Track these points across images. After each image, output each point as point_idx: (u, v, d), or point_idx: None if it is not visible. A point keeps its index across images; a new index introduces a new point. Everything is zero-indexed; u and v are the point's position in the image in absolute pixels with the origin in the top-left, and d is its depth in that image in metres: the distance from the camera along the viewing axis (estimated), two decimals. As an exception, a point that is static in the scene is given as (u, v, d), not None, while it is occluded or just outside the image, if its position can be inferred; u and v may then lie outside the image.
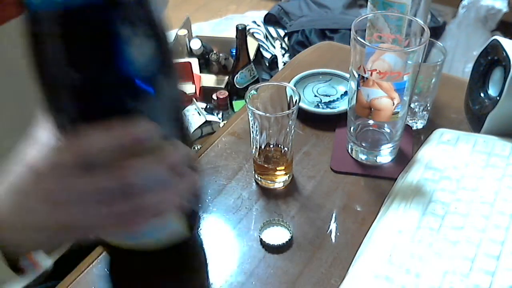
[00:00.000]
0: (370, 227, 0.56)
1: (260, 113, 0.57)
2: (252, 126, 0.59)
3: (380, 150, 0.65)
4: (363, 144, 0.65)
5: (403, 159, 0.65)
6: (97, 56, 0.35)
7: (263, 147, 0.61)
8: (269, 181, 0.63)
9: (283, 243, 0.56)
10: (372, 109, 0.60)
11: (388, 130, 0.65)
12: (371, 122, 0.65)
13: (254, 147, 0.61)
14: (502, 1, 1.86)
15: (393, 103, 0.59)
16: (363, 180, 0.64)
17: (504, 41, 0.65)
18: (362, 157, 0.66)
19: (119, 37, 0.35)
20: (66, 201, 0.39)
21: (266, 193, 0.62)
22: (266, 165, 0.61)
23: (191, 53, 1.67)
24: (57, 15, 0.33)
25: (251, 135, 0.60)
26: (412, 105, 0.69)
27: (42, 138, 0.40)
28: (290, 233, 0.57)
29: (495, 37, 0.67)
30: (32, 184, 0.39)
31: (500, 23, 1.89)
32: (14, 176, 0.41)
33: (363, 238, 0.55)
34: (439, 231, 0.53)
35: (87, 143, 0.37)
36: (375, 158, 0.65)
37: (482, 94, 0.68)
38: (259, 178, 0.63)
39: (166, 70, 0.39)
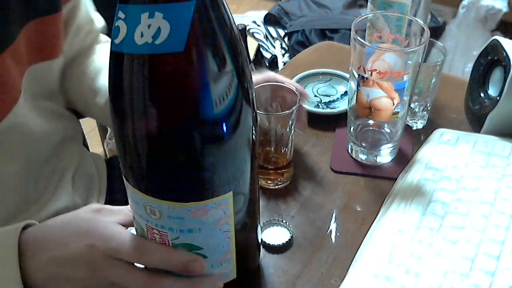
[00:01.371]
0: (370, 227, 0.56)
1: (260, 113, 0.57)
2: None
3: (380, 150, 0.65)
4: (363, 144, 0.65)
5: (403, 159, 0.65)
6: (177, 99, 0.35)
7: (263, 147, 0.61)
8: (269, 181, 0.63)
9: (283, 243, 0.56)
10: (372, 109, 0.60)
11: (388, 130, 0.65)
12: (371, 122, 0.65)
13: None
14: (502, 1, 1.86)
15: (393, 103, 0.59)
16: (363, 180, 0.64)
17: (504, 41, 0.65)
18: (362, 157, 0.66)
19: (203, 83, 0.34)
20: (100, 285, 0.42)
21: (266, 193, 0.62)
22: (266, 165, 0.61)
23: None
24: (139, 58, 0.33)
25: None
26: (412, 105, 0.69)
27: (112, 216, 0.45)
28: (290, 233, 0.57)
29: (495, 37, 0.67)
30: (85, 256, 0.42)
31: (500, 23, 1.89)
32: (69, 240, 0.43)
33: (363, 238, 0.55)
34: (439, 231, 0.53)
35: (147, 253, 0.41)
36: (375, 158, 0.65)
37: (482, 94, 0.68)
38: (259, 178, 0.63)
39: (246, 108, 0.38)
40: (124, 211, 0.45)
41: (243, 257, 0.46)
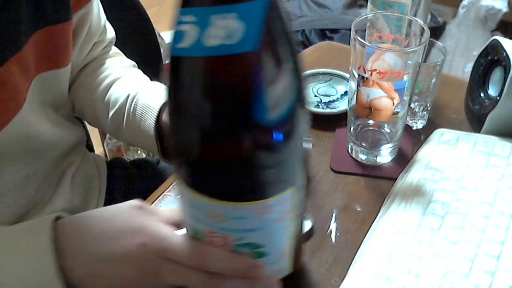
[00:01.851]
0: (370, 227, 0.56)
1: None
2: None
3: (380, 150, 0.65)
4: (363, 144, 0.65)
5: (403, 159, 0.65)
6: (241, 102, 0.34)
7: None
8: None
9: (308, 231, 0.55)
10: (372, 109, 0.60)
11: (388, 130, 0.65)
12: (371, 122, 0.65)
13: None
14: (502, 1, 1.86)
15: (393, 103, 0.59)
16: (363, 180, 0.64)
17: (504, 41, 0.65)
18: (362, 157, 0.66)
19: (266, 84, 0.34)
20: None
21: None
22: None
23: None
24: (206, 61, 0.33)
25: None
26: (412, 105, 0.69)
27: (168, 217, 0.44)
28: (312, 222, 0.56)
29: (495, 37, 0.67)
30: (136, 255, 0.41)
31: (500, 23, 1.89)
32: (116, 237, 0.42)
33: (363, 238, 0.55)
34: (439, 231, 0.53)
35: (208, 258, 0.40)
36: (375, 158, 0.65)
37: (482, 94, 0.68)
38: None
39: (301, 116, 0.38)
40: (165, 213, 0.44)
41: (297, 251, 0.47)
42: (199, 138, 0.36)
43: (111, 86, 0.69)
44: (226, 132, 0.35)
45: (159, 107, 0.63)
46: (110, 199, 0.76)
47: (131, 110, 0.66)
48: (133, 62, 0.77)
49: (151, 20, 0.97)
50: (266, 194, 0.38)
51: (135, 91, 0.66)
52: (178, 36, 0.33)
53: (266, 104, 0.34)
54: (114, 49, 0.77)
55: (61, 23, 0.59)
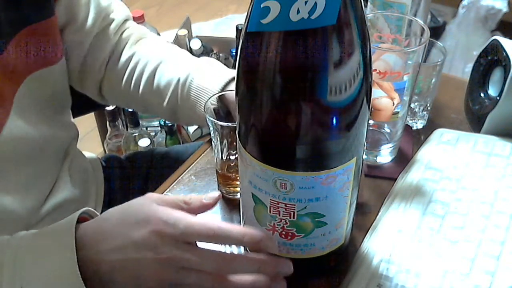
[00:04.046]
0: (370, 227, 0.56)
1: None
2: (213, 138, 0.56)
3: (380, 150, 0.65)
4: (363, 144, 0.65)
5: (403, 159, 0.65)
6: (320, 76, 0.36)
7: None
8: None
9: None
10: (372, 109, 0.60)
11: (388, 130, 0.65)
12: (371, 122, 0.65)
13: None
14: (502, 1, 1.86)
15: (393, 103, 0.59)
16: (363, 180, 0.64)
17: (504, 41, 0.65)
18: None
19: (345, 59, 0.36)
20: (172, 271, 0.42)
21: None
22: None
23: (191, 53, 1.67)
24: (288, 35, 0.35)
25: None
26: (412, 105, 0.69)
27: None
28: None
29: (495, 37, 0.67)
30: (153, 241, 0.42)
31: (500, 23, 1.89)
32: (130, 229, 0.43)
33: (363, 238, 0.55)
34: (439, 231, 0.53)
35: (220, 232, 0.42)
36: (375, 158, 0.65)
37: (482, 94, 0.68)
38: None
39: (369, 89, 0.40)
40: (175, 201, 0.46)
41: (352, 222, 0.49)
42: (273, 111, 0.38)
43: (155, 74, 0.68)
44: (306, 102, 0.37)
45: (218, 89, 0.62)
46: (110, 198, 0.76)
47: (185, 92, 0.65)
48: (164, 39, 0.75)
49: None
50: (334, 164, 0.40)
51: (185, 73, 0.66)
52: (258, 12, 0.35)
53: (342, 76, 0.37)
54: (141, 29, 0.74)
55: (44, 20, 0.58)
